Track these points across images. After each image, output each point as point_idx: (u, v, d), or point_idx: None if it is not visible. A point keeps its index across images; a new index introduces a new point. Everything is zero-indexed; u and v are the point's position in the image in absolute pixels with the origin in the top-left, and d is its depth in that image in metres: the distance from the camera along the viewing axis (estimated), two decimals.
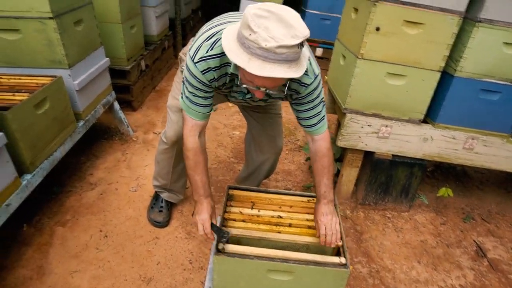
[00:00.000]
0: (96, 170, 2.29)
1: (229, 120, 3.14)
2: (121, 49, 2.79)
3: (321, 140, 1.38)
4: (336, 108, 2.31)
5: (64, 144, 1.94)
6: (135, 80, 2.98)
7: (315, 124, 1.34)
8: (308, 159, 2.52)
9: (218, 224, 1.41)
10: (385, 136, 1.99)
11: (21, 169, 1.64)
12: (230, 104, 3.30)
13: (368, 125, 1.97)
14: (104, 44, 2.42)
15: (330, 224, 1.33)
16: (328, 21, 3.90)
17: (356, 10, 1.95)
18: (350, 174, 2.18)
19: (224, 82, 1.27)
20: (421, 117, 1.96)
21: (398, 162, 2.06)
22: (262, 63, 0.94)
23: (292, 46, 0.93)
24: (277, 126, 1.79)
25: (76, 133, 2.06)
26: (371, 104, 1.94)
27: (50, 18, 1.81)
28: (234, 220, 1.46)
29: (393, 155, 2.05)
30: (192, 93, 1.25)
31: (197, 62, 1.18)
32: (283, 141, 1.90)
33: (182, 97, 1.31)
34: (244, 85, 1.11)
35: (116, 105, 2.59)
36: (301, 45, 0.96)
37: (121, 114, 2.62)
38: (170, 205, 2.01)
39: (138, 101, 3.10)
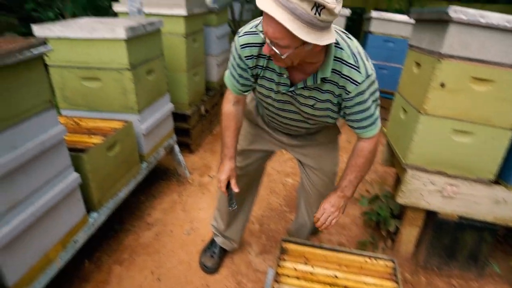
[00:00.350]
0: (153, 210, 2.38)
1: (282, 166, 3.14)
2: (184, 95, 2.98)
3: (367, 142, 1.35)
4: (395, 162, 2.23)
5: (128, 185, 2.05)
6: (195, 124, 3.13)
7: (364, 127, 1.30)
8: (364, 213, 2.42)
9: (269, 278, 1.40)
10: (450, 196, 1.87)
11: (89, 207, 1.75)
12: (284, 151, 3.32)
13: (431, 183, 1.86)
14: (169, 90, 2.61)
15: (329, 216, 1.39)
16: (385, 71, 3.88)
17: (418, 64, 1.93)
18: (410, 233, 2.05)
19: (262, 65, 1.27)
20: (492, 177, 1.82)
21: (465, 225, 1.91)
22: (272, 2, 0.93)
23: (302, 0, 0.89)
24: (330, 185, 1.73)
25: (139, 174, 2.18)
26: (434, 161, 1.85)
27: (127, 69, 2.00)
28: (288, 276, 1.42)
29: (459, 216, 1.91)
30: (232, 65, 1.35)
31: (240, 36, 1.24)
32: None
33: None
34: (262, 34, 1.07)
35: (176, 148, 2.73)
36: (318, 11, 0.91)
37: (180, 156, 2.74)
38: (223, 252, 2.01)
39: (196, 144, 3.23)
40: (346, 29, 3.68)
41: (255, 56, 1.25)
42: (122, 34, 1.88)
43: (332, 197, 1.40)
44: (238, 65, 1.31)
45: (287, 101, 1.34)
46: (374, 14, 3.62)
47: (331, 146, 1.67)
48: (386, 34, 3.69)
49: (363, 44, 3.99)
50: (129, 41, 1.94)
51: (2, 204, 1.24)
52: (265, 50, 1.08)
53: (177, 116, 2.94)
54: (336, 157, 1.70)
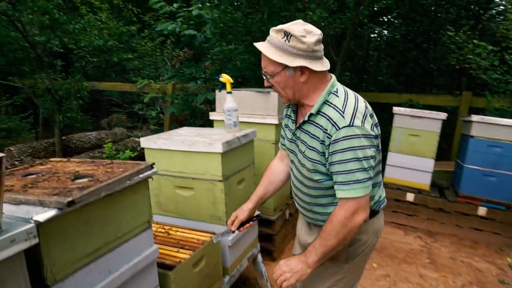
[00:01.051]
0: None
1: (374, 285, 2.76)
2: (270, 200, 2.90)
3: (339, 207, 1.25)
4: None
5: None
6: (279, 229, 2.99)
7: (338, 183, 1.23)
8: None
9: None
10: None
11: None
12: (375, 265, 2.96)
13: None
14: None
15: (281, 275, 1.30)
16: (493, 178, 3.43)
17: None
18: None
19: (288, 114, 1.47)
20: None
21: None
22: (264, 41, 1.26)
23: (276, 31, 1.22)
24: None
25: None
26: None
27: (219, 180, 2.02)
28: None
29: None
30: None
31: None
32: None
33: None
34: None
35: (259, 258, 2.58)
36: (287, 38, 1.19)
37: (263, 267, 2.57)
38: None
39: (279, 251, 3.05)
40: (441, 133, 3.28)
41: (287, 105, 1.46)
42: (218, 148, 1.94)
43: (294, 258, 1.34)
44: (283, 117, 1.53)
45: (293, 151, 1.42)
46: (475, 117, 3.34)
47: (330, 268, 1.42)
48: (491, 138, 3.34)
49: (463, 147, 3.66)
50: (224, 154, 1.99)
51: None
52: (265, 84, 1.33)
53: (261, 221, 2.85)
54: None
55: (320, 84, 1.29)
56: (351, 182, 1.20)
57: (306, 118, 1.30)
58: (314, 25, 1.26)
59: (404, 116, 3.62)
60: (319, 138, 1.25)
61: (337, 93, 1.28)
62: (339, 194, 1.24)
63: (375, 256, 3.16)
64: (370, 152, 1.21)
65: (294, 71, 1.24)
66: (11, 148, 4.82)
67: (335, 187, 1.25)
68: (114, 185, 1.22)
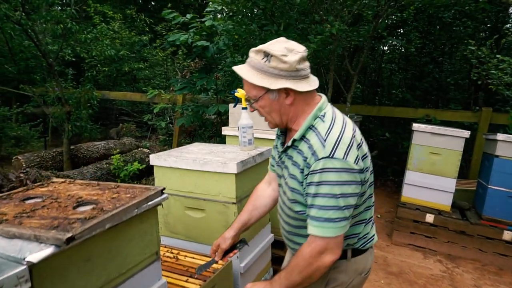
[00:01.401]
0: None
1: None
2: None
3: (307, 243, 1.13)
4: None
5: None
6: None
7: (311, 217, 1.11)
8: None
9: None
10: None
11: None
12: None
13: None
14: (270, 219, 2.42)
15: None
16: None
17: None
18: None
19: (279, 135, 1.37)
20: None
21: None
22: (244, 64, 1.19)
23: (256, 52, 1.13)
24: None
25: None
26: None
27: (233, 203, 1.88)
28: None
29: None
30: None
31: None
32: None
33: None
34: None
35: None
36: (268, 59, 1.10)
37: None
38: None
39: None
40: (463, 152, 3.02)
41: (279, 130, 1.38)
42: (233, 169, 1.81)
43: (260, 283, 1.25)
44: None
45: (280, 175, 1.33)
46: (500, 136, 3.17)
47: None
48: None
49: (487, 167, 3.47)
50: (239, 174, 1.86)
51: None
52: (250, 109, 1.25)
53: (274, 243, 2.68)
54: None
55: (307, 107, 1.19)
56: (322, 219, 1.08)
57: (289, 143, 1.20)
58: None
59: (424, 134, 3.46)
60: (299, 166, 1.15)
61: (324, 117, 1.16)
62: (309, 229, 1.12)
63: (393, 282, 2.98)
64: (350, 189, 1.08)
65: (278, 93, 1.14)
66: (19, 157, 4.76)
67: (307, 220, 1.14)
68: (120, 215, 1.09)
